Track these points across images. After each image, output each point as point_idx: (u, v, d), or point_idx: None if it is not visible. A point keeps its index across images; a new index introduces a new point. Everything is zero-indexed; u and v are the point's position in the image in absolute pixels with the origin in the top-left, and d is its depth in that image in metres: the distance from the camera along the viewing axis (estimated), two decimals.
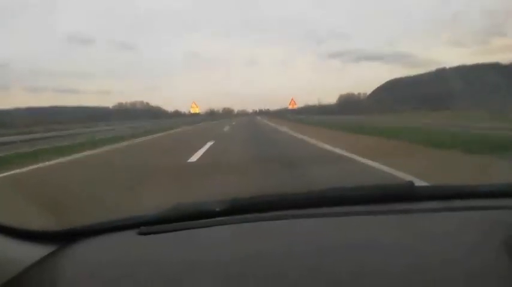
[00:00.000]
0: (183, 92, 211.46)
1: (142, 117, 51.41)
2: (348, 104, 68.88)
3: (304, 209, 0.95)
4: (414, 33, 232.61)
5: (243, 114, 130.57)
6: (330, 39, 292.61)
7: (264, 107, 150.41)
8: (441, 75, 73.76)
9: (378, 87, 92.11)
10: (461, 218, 0.88)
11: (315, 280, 0.63)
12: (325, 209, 0.95)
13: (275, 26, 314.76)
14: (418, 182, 3.33)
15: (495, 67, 76.43)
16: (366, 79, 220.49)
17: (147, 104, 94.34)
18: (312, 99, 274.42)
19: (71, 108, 72.22)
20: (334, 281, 0.63)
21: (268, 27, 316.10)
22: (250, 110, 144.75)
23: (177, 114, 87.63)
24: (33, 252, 0.77)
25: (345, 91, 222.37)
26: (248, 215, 0.92)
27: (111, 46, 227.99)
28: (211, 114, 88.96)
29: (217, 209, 0.92)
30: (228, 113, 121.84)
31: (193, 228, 0.87)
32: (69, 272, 0.74)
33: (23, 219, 0.94)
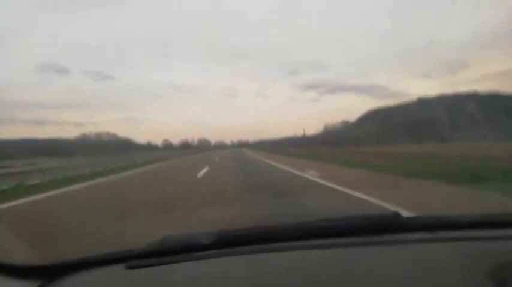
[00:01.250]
0: (158, 123, 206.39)
1: (105, 150, 46.43)
2: (331, 134, 65.98)
3: (292, 242, 0.95)
4: (386, 65, 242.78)
5: (221, 146, 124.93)
6: (305, 70, 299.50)
7: (242, 138, 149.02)
8: (424, 104, 72.88)
9: (360, 118, 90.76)
10: (447, 248, 0.90)
11: None
12: (312, 242, 0.95)
13: (251, 57, 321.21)
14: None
15: (474, 97, 76.57)
16: (343, 110, 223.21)
17: (114, 135, 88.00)
18: (290, 130, 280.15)
19: (39, 140, 65.45)
20: None
21: (245, 57, 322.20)
22: (228, 141, 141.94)
23: (149, 146, 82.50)
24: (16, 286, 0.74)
25: (323, 121, 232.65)
26: (236, 249, 0.92)
27: (86, 76, 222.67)
28: (186, 147, 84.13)
29: (205, 242, 0.92)
30: (204, 145, 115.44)
31: (181, 261, 0.87)
32: None
33: (7, 254, 0.95)
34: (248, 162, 17.13)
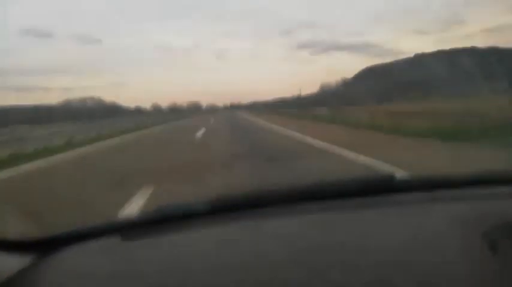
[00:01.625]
0: (148, 87, 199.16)
1: (91, 116, 43.60)
2: (328, 94, 63.22)
3: (287, 206, 0.97)
4: (379, 23, 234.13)
5: (212, 109, 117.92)
6: (298, 30, 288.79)
7: (235, 101, 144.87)
8: (420, 61, 70.19)
9: (356, 76, 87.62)
10: (442, 208, 0.90)
11: (302, 278, 0.65)
12: (308, 205, 0.97)
13: (242, 17, 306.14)
14: None
15: (473, 51, 73.88)
16: (337, 69, 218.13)
17: (99, 99, 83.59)
18: (283, 91, 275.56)
19: (21, 108, 61.16)
20: (322, 278, 0.65)
21: (235, 18, 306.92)
22: (220, 104, 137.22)
23: (137, 111, 78.56)
24: (10, 262, 0.76)
25: (317, 82, 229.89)
26: (231, 214, 0.94)
27: (71, 40, 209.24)
28: (174, 111, 79.51)
29: (201, 209, 0.93)
30: (195, 109, 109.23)
31: (178, 230, 0.87)
32: (50, 283, 0.72)
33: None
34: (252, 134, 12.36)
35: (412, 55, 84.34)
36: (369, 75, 78.33)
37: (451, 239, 0.74)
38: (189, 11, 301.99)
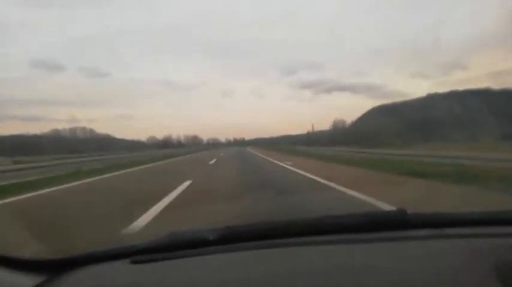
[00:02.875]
0: (152, 121, 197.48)
1: (79, 149, 38.97)
2: (340, 132, 59.20)
3: (297, 238, 0.96)
4: (381, 65, 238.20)
5: (215, 144, 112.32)
6: (301, 70, 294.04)
7: (238, 136, 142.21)
8: (434, 100, 67.17)
9: (366, 114, 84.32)
10: (453, 245, 0.90)
11: None
12: (316, 238, 0.96)
13: (248, 57, 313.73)
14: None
15: (487, 92, 70.97)
16: (340, 109, 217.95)
17: (92, 131, 77.61)
18: (286, 129, 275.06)
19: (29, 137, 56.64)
20: None
21: (241, 57, 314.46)
22: (223, 139, 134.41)
23: (132, 144, 73.44)
24: (24, 281, 0.77)
25: (320, 120, 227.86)
26: (241, 244, 0.93)
27: (80, 73, 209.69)
28: (165, 145, 68.77)
29: (211, 238, 0.93)
30: (193, 143, 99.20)
31: (187, 257, 0.88)
32: None
33: (13, 247, 0.97)
34: None
35: (424, 95, 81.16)
36: (377, 114, 74.98)
37: (460, 274, 0.73)
38: (197, 50, 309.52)
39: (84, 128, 71.23)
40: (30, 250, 0.98)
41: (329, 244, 0.93)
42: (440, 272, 0.74)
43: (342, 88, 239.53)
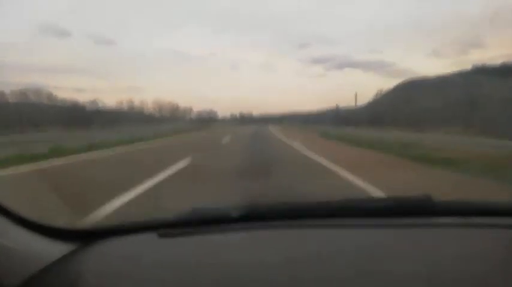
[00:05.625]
0: (157, 92, 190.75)
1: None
2: (376, 109, 52.61)
3: (320, 220, 0.96)
4: (394, 42, 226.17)
5: (210, 119, 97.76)
6: (313, 45, 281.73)
7: (245, 111, 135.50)
8: (483, 73, 59.56)
9: (390, 91, 77.24)
10: (479, 235, 0.88)
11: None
12: (341, 221, 0.96)
13: (259, 28, 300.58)
14: None
15: None
16: (352, 86, 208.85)
17: (96, 103, 67.38)
18: (295, 104, 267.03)
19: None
20: None
21: (252, 28, 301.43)
22: (227, 114, 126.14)
23: (143, 117, 66.06)
24: (55, 249, 0.81)
25: (330, 97, 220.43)
26: (265, 223, 0.95)
27: (88, 40, 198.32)
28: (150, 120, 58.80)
29: (235, 215, 0.94)
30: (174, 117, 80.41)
31: (211, 232, 0.91)
32: (89, 272, 0.77)
33: (46, 215, 0.99)
34: None
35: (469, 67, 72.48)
36: (406, 90, 67.86)
37: (487, 264, 0.73)
38: (206, 20, 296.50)
39: (94, 101, 61.48)
40: (63, 218, 1.09)
41: (354, 227, 0.93)
42: (466, 261, 0.74)
43: (353, 65, 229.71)
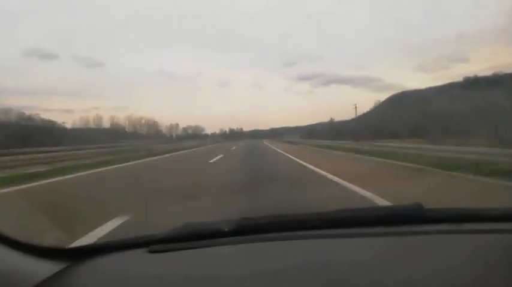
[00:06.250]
0: (145, 112, 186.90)
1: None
2: (363, 124, 51.75)
3: (312, 231, 0.96)
4: (380, 58, 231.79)
5: (195, 136, 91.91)
6: (299, 63, 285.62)
7: (236, 127, 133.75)
8: (473, 84, 59.81)
9: (380, 105, 77.08)
10: (470, 241, 0.89)
11: None
12: (333, 231, 0.95)
13: (246, 48, 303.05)
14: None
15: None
16: (340, 101, 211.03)
17: (96, 121, 64.08)
18: (283, 121, 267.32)
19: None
20: None
21: (239, 48, 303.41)
22: (216, 130, 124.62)
23: (136, 136, 61.21)
24: (43, 268, 0.79)
25: (318, 113, 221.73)
26: (257, 236, 0.94)
27: (75, 62, 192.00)
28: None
29: (226, 229, 0.94)
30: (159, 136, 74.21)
31: (202, 247, 0.89)
32: None
33: (34, 235, 0.97)
34: None
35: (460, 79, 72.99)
36: (395, 103, 67.70)
37: (479, 270, 0.72)
38: (193, 40, 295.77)
39: (90, 119, 57.82)
40: (50, 237, 1.00)
41: (346, 237, 0.93)
42: (458, 267, 0.74)
43: (341, 81, 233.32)
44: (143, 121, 78.74)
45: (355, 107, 35.92)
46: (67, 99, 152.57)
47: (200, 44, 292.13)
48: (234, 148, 25.58)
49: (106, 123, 67.71)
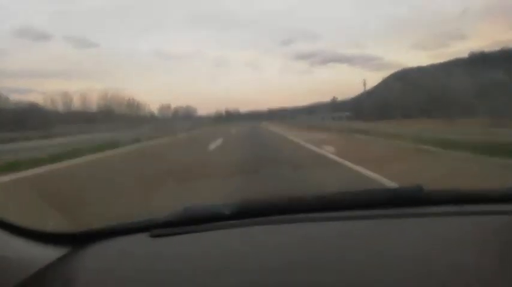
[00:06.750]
0: (143, 93, 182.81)
1: None
2: (367, 103, 50.37)
3: (314, 213, 0.95)
4: (377, 37, 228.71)
5: (188, 116, 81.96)
6: (297, 41, 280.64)
7: (232, 108, 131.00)
8: (485, 60, 58.38)
9: (384, 82, 75.58)
10: (472, 222, 0.88)
11: (327, 283, 0.64)
12: (334, 214, 0.95)
13: (242, 26, 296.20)
14: None
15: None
16: (338, 81, 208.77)
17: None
18: (284, 101, 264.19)
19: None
20: (346, 284, 0.64)
21: (236, 26, 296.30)
22: (212, 111, 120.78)
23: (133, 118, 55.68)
24: (47, 254, 0.79)
25: (316, 92, 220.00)
26: (257, 219, 0.93)
27: (68, 43, 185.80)
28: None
29: (227, 213, 0.93)
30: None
31: (204, 231, 0.89)
32: (82, 275, 0.76)
33: (37, 220, 0.94)
34: None
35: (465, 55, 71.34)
36: (398, 80, 66.29)
37: (481, 251, 0.72)
38: (188, 19, 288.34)
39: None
40: (52, 222, 0.99)
41: (347, 219, 0.92)
42: (459, 248, 0.74)
43: (338, 60, 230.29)
44: (125, 101, 62.81)
45: (364, 83, 34.67)
46: (62, 81, 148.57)
47: (195, 23, 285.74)
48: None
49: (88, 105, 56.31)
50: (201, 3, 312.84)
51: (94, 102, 55.56)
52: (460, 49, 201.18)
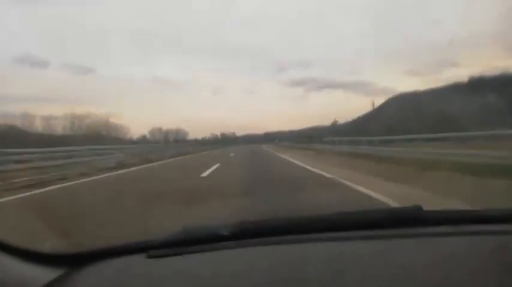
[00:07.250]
0: (137, 119, 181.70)
1: None
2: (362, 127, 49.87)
3: (312, 234, 0.95)
4: (371, 63, 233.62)
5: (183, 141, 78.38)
6: (292, 68, 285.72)
7: (229, 131, 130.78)
8: (481, 84, 58.84)
9: (380, 107, 75.62)
10: (471, 243, 0.88)
11: None
12: (333, 234, 0.95)
13: (238, 54, 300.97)
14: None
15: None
16: (333, 106, 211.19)
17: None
18: (280, 125, 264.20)
19: None
20: None
21: (232, 55, 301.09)
22: (208, 135, 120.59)
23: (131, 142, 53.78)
24: (42, 274, 0.79)
25: (311, 118, 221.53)
26: (256, 240, 0.93)
27: (65, 69, 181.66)
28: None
29: (225, 233, 0.93)
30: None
31: (201, 252, 0.89)
32: None
33: (33, 241, 0.94)
34: None
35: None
36: (398, 104, 66.39)
37: (479, 272, 0.72)
38: (186, 47, 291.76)
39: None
40: (49, 243, 1.00)
41: (344, 240, 0.92)
42: (458, 269, 0.74)
43: (333, 86, 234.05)
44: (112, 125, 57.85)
45: (373, 104, 34.15)
46: (59, 106, 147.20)
47: (193, 51, 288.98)
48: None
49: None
50: (198, 34, 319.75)
51: (81, 126, 52.43)
52: (449, 76, 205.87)
